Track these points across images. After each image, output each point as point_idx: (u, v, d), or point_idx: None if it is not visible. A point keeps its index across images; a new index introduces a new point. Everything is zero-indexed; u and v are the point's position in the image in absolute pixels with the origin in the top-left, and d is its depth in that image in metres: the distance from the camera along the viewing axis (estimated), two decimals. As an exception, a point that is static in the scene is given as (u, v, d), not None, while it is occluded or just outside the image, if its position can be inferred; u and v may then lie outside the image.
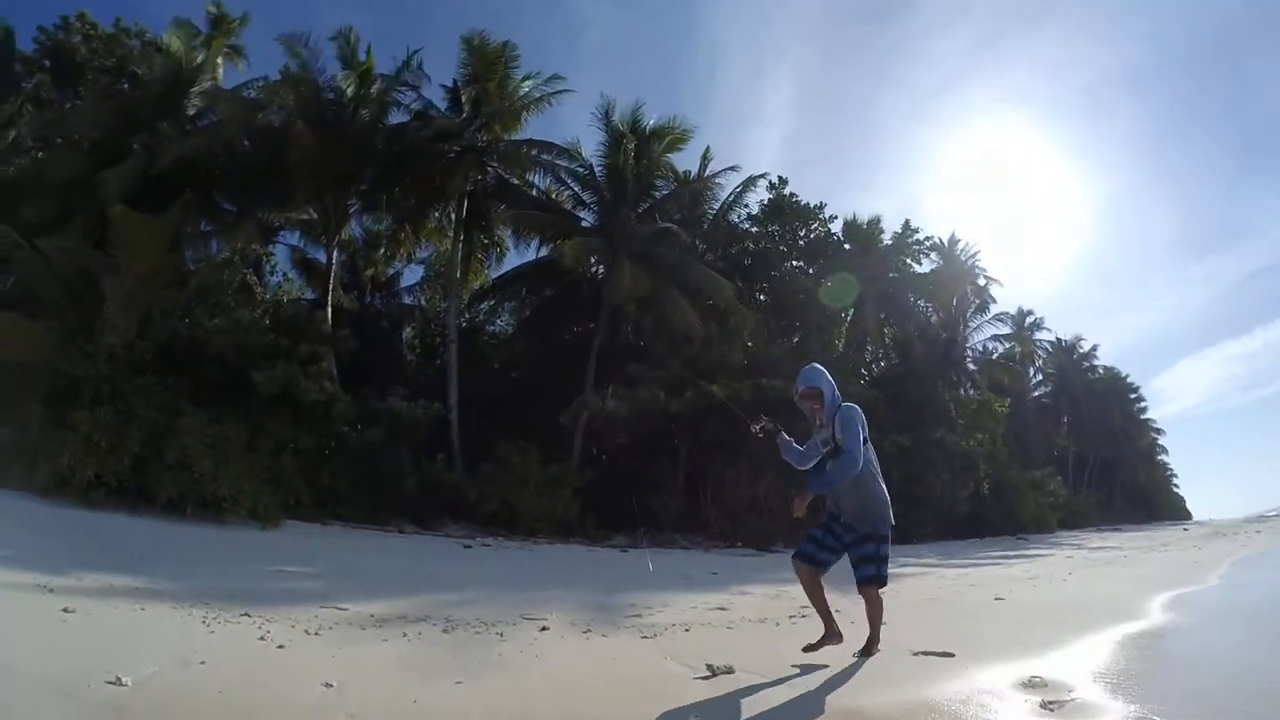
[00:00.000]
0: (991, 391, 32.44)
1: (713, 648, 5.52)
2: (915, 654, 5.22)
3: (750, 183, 25.11)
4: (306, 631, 5.70)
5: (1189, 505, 58.02)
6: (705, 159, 24.53)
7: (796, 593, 8.89)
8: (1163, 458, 55.98)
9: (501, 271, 24.56)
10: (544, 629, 6.24)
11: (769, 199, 26.99)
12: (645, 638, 6.10)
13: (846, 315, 30.54)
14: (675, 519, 19.94)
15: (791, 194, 27.24)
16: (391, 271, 26.57)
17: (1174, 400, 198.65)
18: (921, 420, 26.33)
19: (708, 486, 20.00)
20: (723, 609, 7.83)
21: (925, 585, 10.51)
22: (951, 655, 5.10)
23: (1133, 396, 49.73)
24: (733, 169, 24.38)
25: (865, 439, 4.81)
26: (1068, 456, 42.49)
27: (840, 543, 4.97)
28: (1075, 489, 39.51)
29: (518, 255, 24.22)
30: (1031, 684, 4.31)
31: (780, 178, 27.07)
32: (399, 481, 16.81)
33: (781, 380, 22.19)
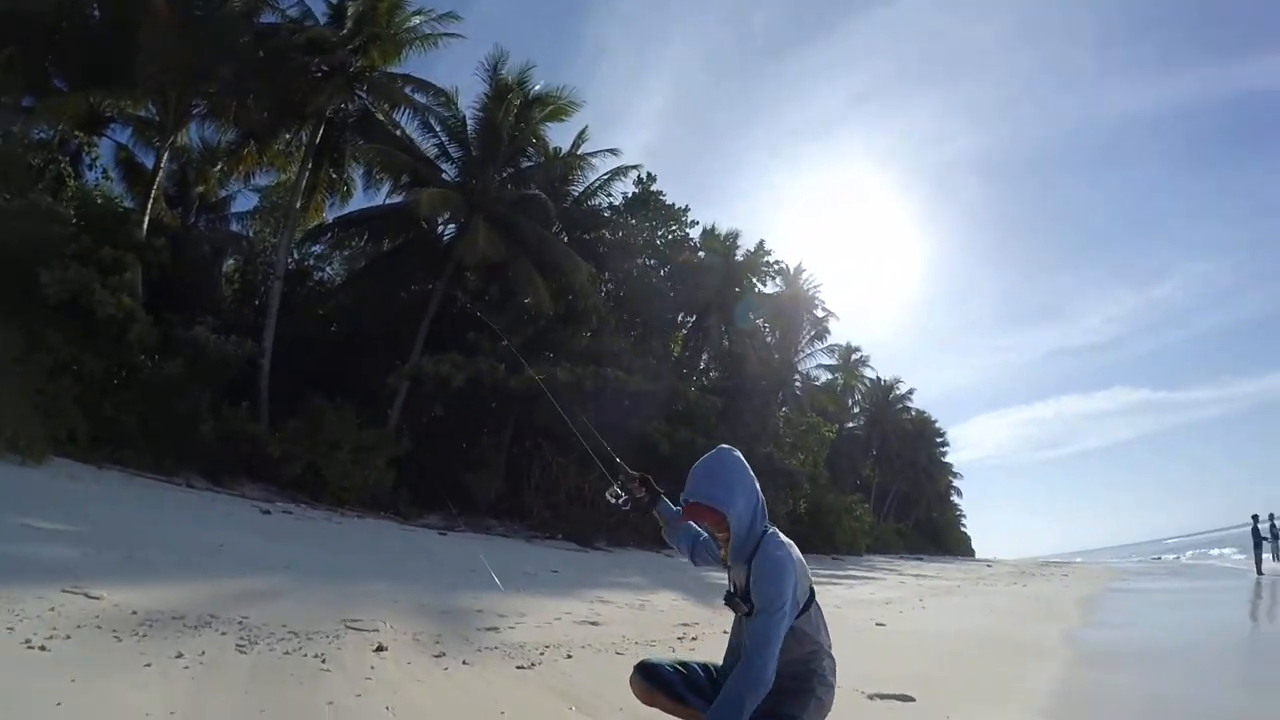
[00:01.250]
0: (812, 415, 34.14)
1: (615, 687, 3.97)
2: (872, 697, 4.55)
3: (620, 172, 25.21)
4: (27, 642, 3.76)
5: (974, 544, 63.24)
6: (581, 138, 24.26)
7: (661, 603, 9.04)
8: (955, 499, 60.94)
9: (344, 213, 23.18)
10: (380, 649, 4.73)
11: (635, 192, 27.13)
12: (522, 668, 4.77)
13: (688, 321, 31.31)
14: (494, 503, 19.41)
15: (659, 192, 27.51)
16: (224, 194, 24.48)
17: (968, 449, 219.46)
18: (751, 434, 27.30)
19: (533, 472, 19.58)
20: (593, 623, 6.93)
21: None
22: (912, 699, 4.55)
23: (938, 440, 54.49)
24: (612, 152, 24.30)
25: (804, 603, 2.84)
26: (872, 486, 45.49)
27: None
28: (878, 517, 42.31)
29: (364, 199, 23.04)
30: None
31: (650, 174, 27.31)
32: (194, 427, 15.23)
33: (623, 373, 22.41)
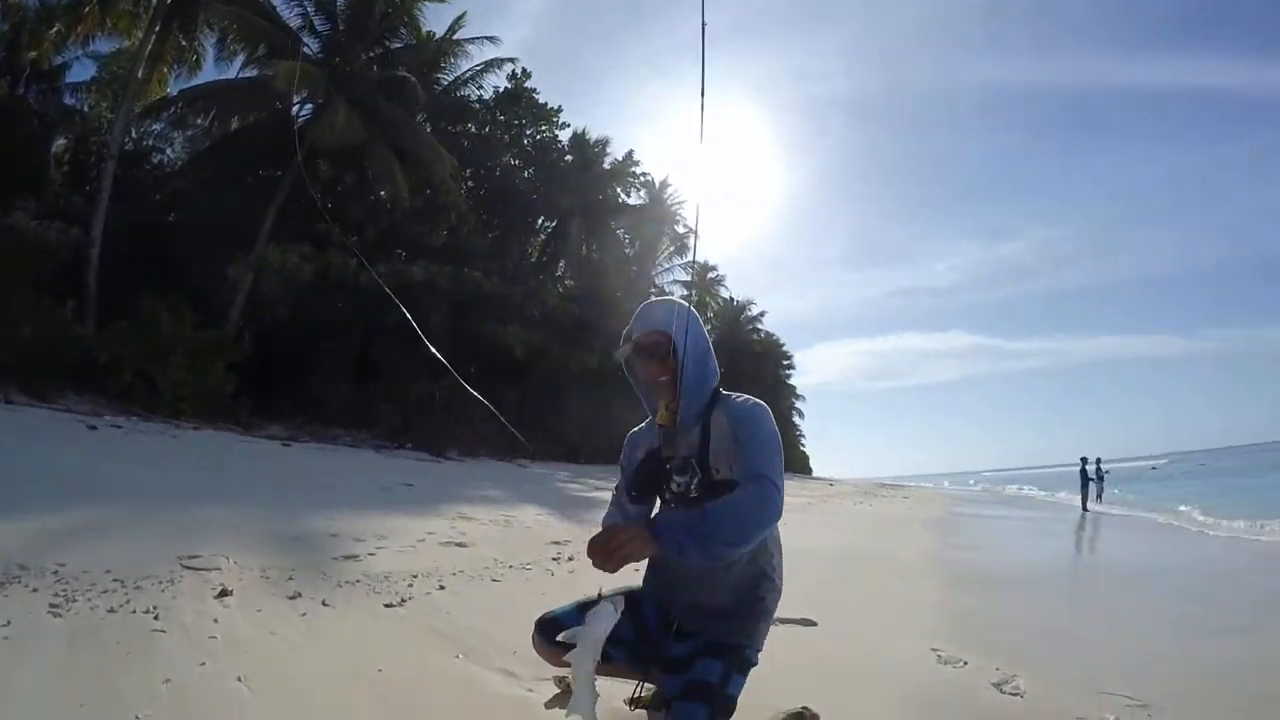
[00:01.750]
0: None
1: (501, 625, 3.87)
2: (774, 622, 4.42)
3: (495, 64, 24.12)
4: None
5: (812, 463, 66.82)
6: (458, 23, 22.88)
7: (525, 519, 8.87)
8: (796, 420, 64.04)
9: (191, 85, 20.89)
10: (224, 593, 3.99)
11: (507, 87, 26.06)
12: (391, 605, 4.18)
13: (549, 226, 30.89)
14: (341, 410, 18.68)
15: (532, 89, 26.55)
16: (60, 60, 21.49)
17: (812, 374, 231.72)
18: (606, 345, 27.61)
19: (383, 378, 18.86)
20: (459, 544, 6.45)
21: None
22: (814, 623, 4.47)
23: (784, 363, 56.76)
24: (490, 40, 23.10)
25: None
26: (717, 400, 47.19)
27: (649, 647, 2.48)
28: None
29: (214, 72, 20.86)
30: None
31: (525, 69, 26.22)
32: (11, 328, 13.63)
33: (480, 275, 21.96)
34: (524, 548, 6.70)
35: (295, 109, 20.51)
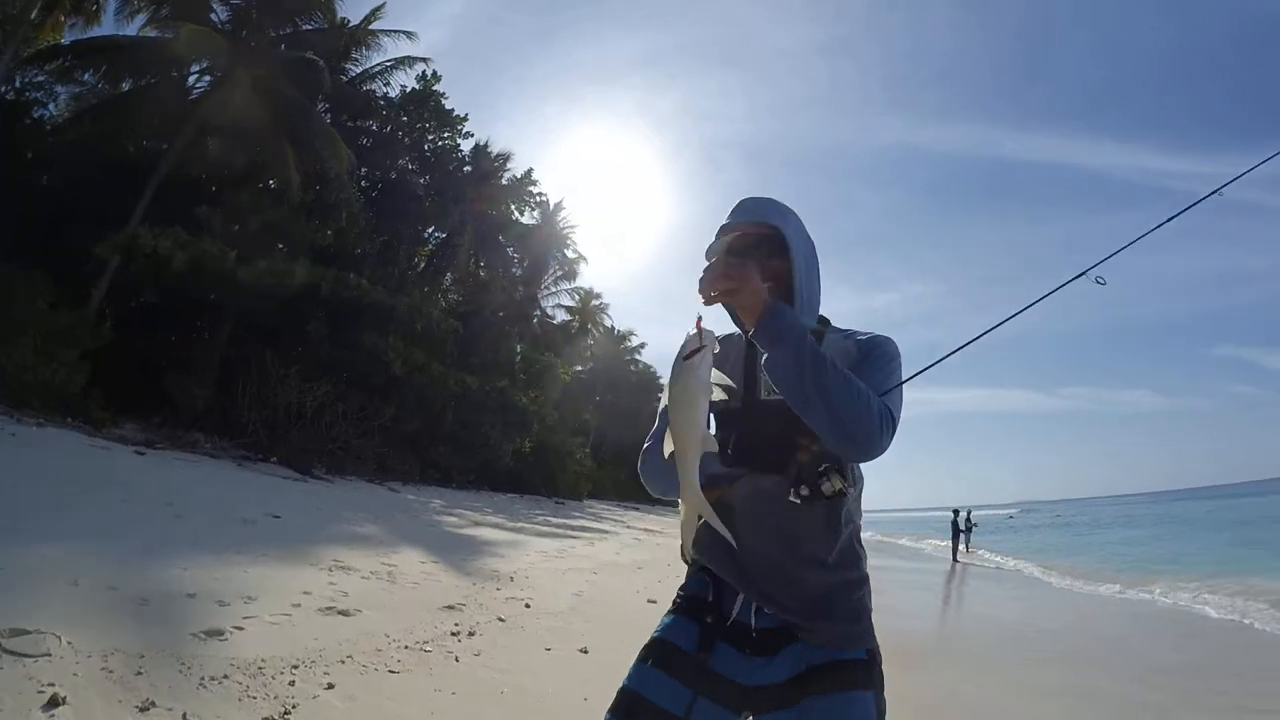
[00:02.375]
0: (549, 354, 34.24)
1: None
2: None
3: (406, 62, 23.08)
4: None
5: None
6: (375, 14, 21.83)
7: (409, 568, 7.88)
8: None
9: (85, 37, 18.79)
10: (54, 701, 2.98)
11: (416, 88, 25.02)
12: None
13: (439, 235, 29.84)
14: (202, 413, 16.96)
15: (441, 93, 25.64)
16: None
17: None
18: (487, 365, 26.74)
19: (251, 380, 17.29)
20: (341, 611, 5.39)
21: (548, 573, 9.52)
22: None
23: (659, 396, 56.56)
24: (407, 35, 22.08)
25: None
26: (590, 431, 46.76)
27: (723, 664, 1.72)
28: (596, 463, 43.60)
29: (112, 28, 18.83)
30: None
31: (435, 72, 25.27)
32: None
33: (365, 282, 20.76)
34: (415, 614, 5.86)
35: (192, 79, 18.84)
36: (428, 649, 4.89)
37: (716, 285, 1.63)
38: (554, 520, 19.01)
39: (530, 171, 33.85)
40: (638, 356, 54.31)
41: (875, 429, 1.59)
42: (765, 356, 1.63)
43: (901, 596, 12.68)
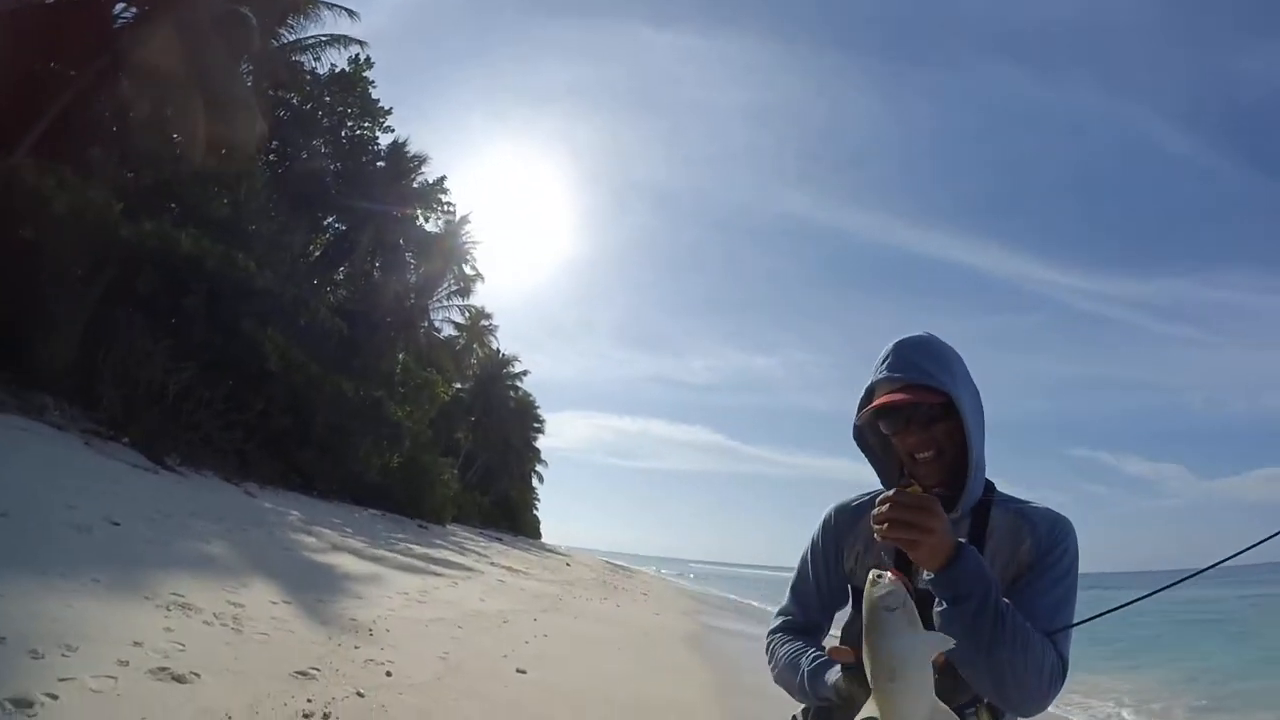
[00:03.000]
0: (431, 370, 33.01)
1: None
2: None
3: (342, 41, 21.92)
4: None
5: (542, 528, 67.03)
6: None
7: (257, 609, 6.77)
8: (535, 483, 63.92)
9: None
10: None
11: (345, 70, 23.85)
12: None
13: (339, 227, 28.47)
14: (58, 376, 14.90)
15: (370, 80, 24.56)
16: None
17: (555, 437, 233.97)
18: (367, 371, 25.43)
19: (115, 350, 15.34)
20: (175, 677, 4.39)
21: (410, 625, 8.56)
22: None
23: (535, 425, 56.53)
24: (350, 12, 20.97)
25: None
26: (461, 452, 45.38)
27: None
28: (462, 484, 42.20)
29: None
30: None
31: (369, 58, 24.17)
32: None
33: (254, 264, 19.31)
34: (262, 683, 4.82)
35: (118, 8, 17.07)
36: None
37: (892, 535, 1.38)
38: (416, 549, 17.77)
39: (443, 179, 33.14)
40: (518, 383, 53.43)
41: (1044, 692, 1.47)
42: (938, 606, 1.46)
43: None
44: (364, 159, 26.72)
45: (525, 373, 53.88)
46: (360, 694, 5.18)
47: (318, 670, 5.41)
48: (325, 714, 4.60)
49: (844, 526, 1.82)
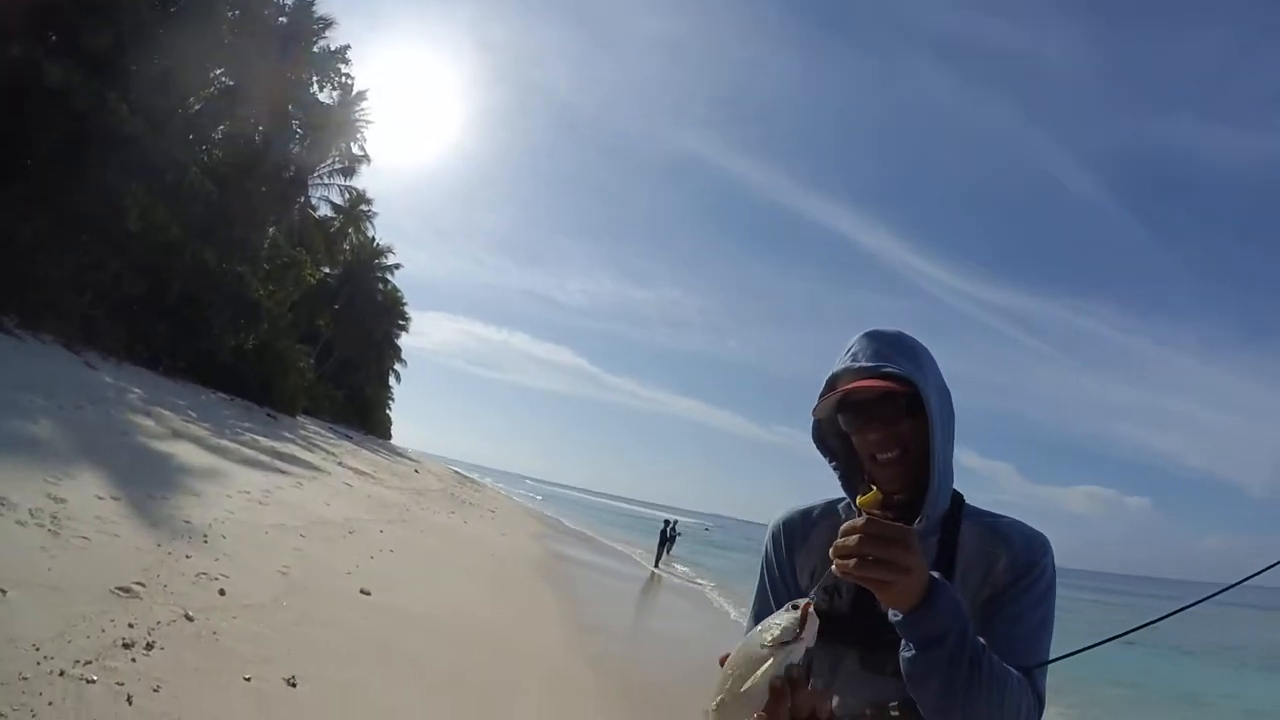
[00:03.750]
0: (300, 249, 31.24)
1: None
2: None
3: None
4: None
5: (394, 429, 66.15)
6: None
7: (83, 505, 6.23)
8: (392, 381, 62.10)
9: None
10: None
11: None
12: None
13: (224, 80, 26.07)
14: None
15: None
16: None
17: (417, 336, 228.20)
18: (233, 242, 23.75)
19: None
20: None
21: (249, 531, 7.89)
22: None
23: (400, 322, 54.43)
24: None
25: None
26: (320, 341, 43.37)
27: None
28: (318, 373, 40.41)
29: None
30: None
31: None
32: None
33: (127, 109, 17.50)
34: (79, 603, 4.23)
35: None
36: (91, 679, 3.46)
37: (859, 574, 1.20)
38: (262, 441, 17.13)
39: (346, 49, 31.25)
40: (389, 276, 51.41)
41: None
42: (907, 650, 1.28)
43: (627, 619, 13.07)
44: (266, 11, 24.46)
45: (398, 266, 52.01)
46: (189, 617, 4.69)
47: (142, 586, 4.91)
48: (148, 643, 4.07)
49: (794, 540, 1.66)
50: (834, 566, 1.24)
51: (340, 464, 20.90)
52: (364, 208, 43.28)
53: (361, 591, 7.13)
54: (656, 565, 23.85)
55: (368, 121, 36.79)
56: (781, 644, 1.16)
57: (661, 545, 24.51)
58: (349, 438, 35.06)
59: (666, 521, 25.57)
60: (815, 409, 1.59)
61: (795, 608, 1.19)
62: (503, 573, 12.80)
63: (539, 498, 72.16)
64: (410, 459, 46.03)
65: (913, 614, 1.24)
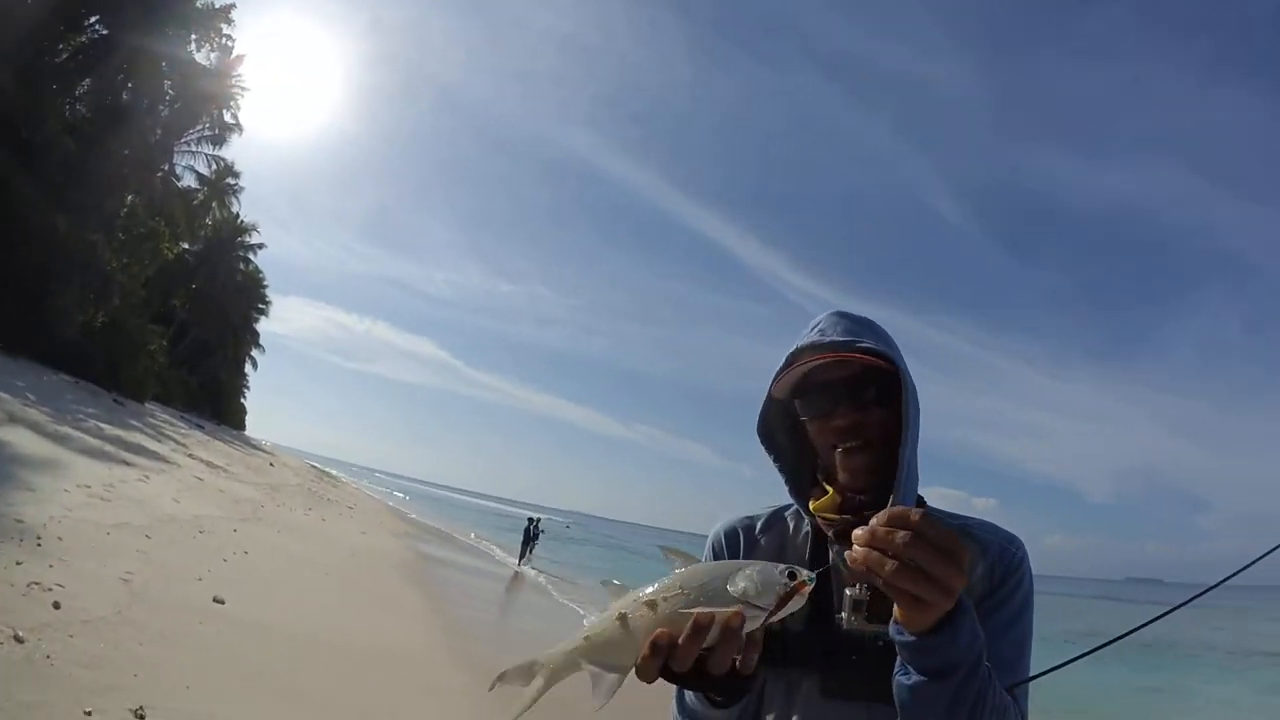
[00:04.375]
0: (159, 220, 28.89)
1: None
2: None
3: None
4: None
5: (248, 419, 62.53)
6: None
7: None
8: (249, 369, 58.43)
9: None
10: None
11: None
12: None
13: (96, 28, 23.83)
14: None
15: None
16: None
17: (276, 322, 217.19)
18: (86, 208, 21.64)
19: None
20: None
21: (89, 531, 7.13)
22: None
23: (260, 306, 51.32)
24: None
25: None
26: (174, 321, 40.18)
27: None
28: (171, 358, 37.33)
29: None
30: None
31: None
32: None
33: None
34: None
35: None
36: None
37: (894, 581, 0.98)
38: (107, 429, 15.99)
39: (231, 8, 29.74)
40: (251, 256, 48.64)
41: None
42: (907, 677, 1.11)
43: (496, 619, 12.83)
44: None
45: (261, 246, 49.52)
46: (18, 638, 4.05)
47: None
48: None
49: (736, 554, 1.48)
50: (853, 555, 1.00)
51: (191, 456, 19.78)
52: (231, 181, 40.85)
53: (215, 600, 6.56)
54: (521, 562, 23.97)
55: (244, 89, 34.98)
56: (749, 603, 0.96)
57: (526, 543, 24.72)
58: (201, 427, 32.83)
59: (530, 519, 25.84)
60: (773, 386, 1.41)
61: (791, 575, 0.97)
62: (366, 575, 12.35)
63: (398, 493, 70.21)
64: (265, 451, 44.06)
65: (929, 638, 1.05)
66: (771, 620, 0.97)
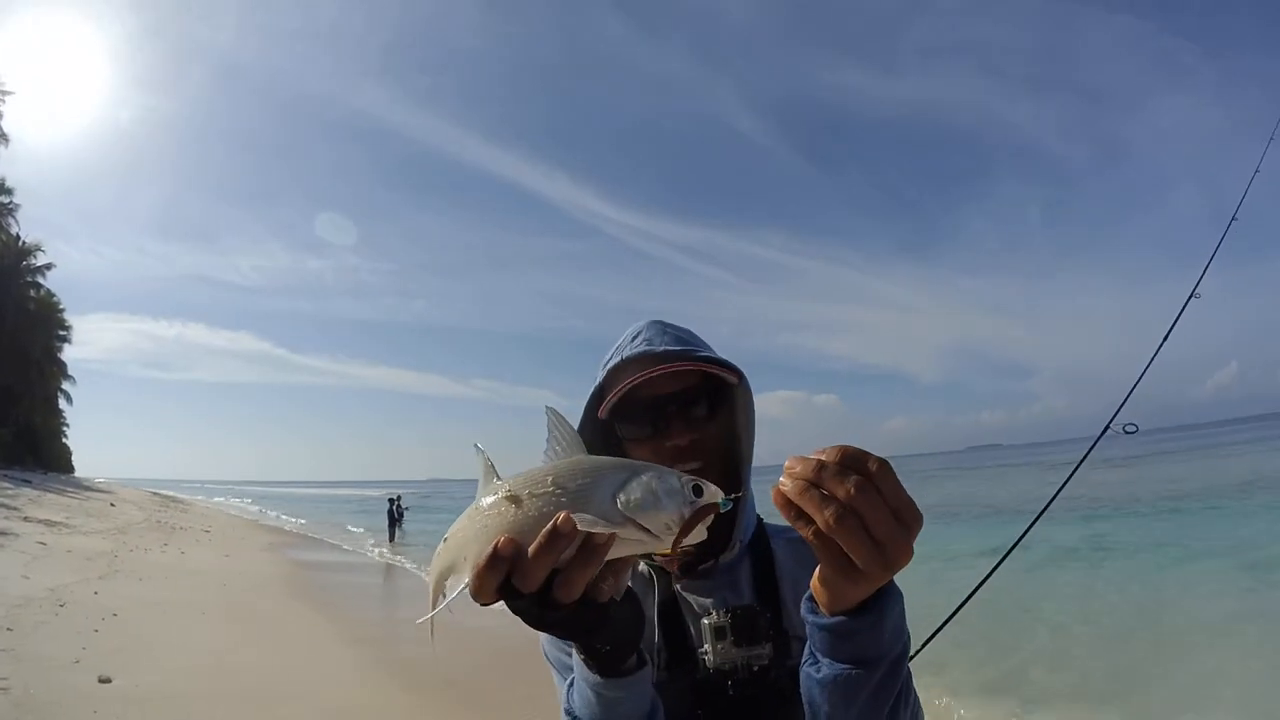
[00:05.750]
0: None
1: None
2: None
3: None
4: None
5: (75, 459, 57.67)
6: None
7: None
8: (64, 404, 53.62)
9: None
10: None
11: None
12: None
13: None
14: None
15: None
16: None
17: (82, 347, 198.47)
18: None
19: None
20: None
21: None
22: None
23: (60, 333, 46.89)
24: None
25: None
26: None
27: None
28: None
29: None
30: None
31: None
32: None
33: None
34: None
35: None
36: None
37: (841, 533, 0.81)
38: None
39: None
40: (41, 279, 44.09)
41: None
42: (817, 669, 0.98)
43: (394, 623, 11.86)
44: None
45: (49, 266, 45.15)
46: None
47: None
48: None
49: None
50: (781, 488, 0.84)
51: (26, 519, 18.61)
52: (4, 199, 36.84)
53: (100, 680, 6.15)
54: (392, 545, 23.63)
55: (6, 92, 31.48)
56: (640, 525, 0.81)
57: (392, 525, 24.62)
58: (28, 482, 30.52)
59: (391, 500, 25.59)
60: (601, 409, 1.30)
61: (697, 491, 0.82)
62: (246, 603, 11.65)
63: (251, 503, 67.23)
64: (102, 491, 41.11)
65: (852, 619, 0.91)
66: (668, 552, 0.83)
